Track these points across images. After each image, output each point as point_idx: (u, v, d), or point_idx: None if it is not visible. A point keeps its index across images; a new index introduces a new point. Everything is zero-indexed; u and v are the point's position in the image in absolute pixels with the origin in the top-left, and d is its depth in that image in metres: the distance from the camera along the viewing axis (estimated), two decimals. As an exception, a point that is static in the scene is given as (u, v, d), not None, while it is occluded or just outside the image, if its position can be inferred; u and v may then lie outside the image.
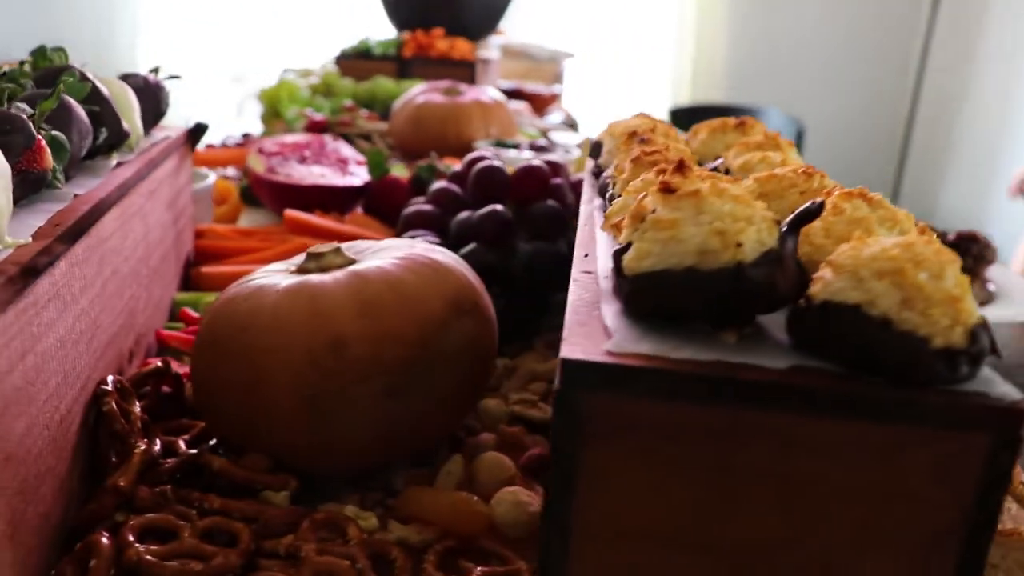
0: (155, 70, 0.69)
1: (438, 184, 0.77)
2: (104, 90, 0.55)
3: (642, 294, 0.30)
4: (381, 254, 0.47)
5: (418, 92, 1.24)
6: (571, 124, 1.74)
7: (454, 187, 0.76)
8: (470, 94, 1.23)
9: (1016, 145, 2.86)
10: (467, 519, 0.40)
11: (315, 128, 1.24)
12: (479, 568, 0.38)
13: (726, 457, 0.28)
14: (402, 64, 1.56)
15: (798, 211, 0.31)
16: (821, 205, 0.31)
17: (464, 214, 0.71)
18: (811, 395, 0.27)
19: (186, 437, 0.47)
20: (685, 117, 3.03)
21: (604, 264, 0.37)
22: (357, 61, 1.58)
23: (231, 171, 1.10)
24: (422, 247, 0.48)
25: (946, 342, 0.27)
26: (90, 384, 0.43)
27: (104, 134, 0.53)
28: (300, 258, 0.51)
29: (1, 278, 0.32)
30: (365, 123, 1.28)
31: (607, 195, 0.45)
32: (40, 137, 0.42)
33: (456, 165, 1.05)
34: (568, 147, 1.15)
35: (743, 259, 0.29)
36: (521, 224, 0.71)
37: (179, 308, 0.64)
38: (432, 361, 0.42)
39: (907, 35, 3.20)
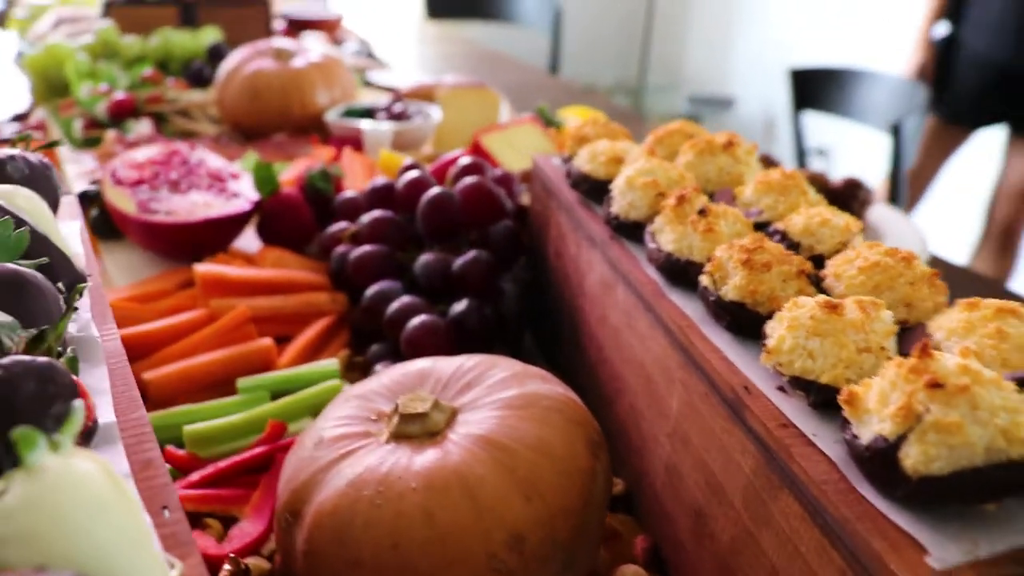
0: (25, 138, 0.54)
1: (373, 213, 0.70)
2: (30, 221, 0.43)
3: (928, 494, 0.31)
4: (478, 392, 0.43)
5: (243, 59, 1.09)
6: (370, 54, 1.62)
7: (391, 215, 0.70)
8: (301, 56, 1.10)
9: (746, 11, 3.10)
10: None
11: (122, 110, 1.06)
12: None
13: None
14: (185, 8, 1.35)
15: (1035, 378, 0.33)
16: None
17: (428, 257, 0.65)
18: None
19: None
20: (441, 7, 2.95)
21: (799, 420, 0.37)
22: (130, 9, 1.34)
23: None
24: (515, 373, 0.44)
25: None
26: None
27: (64, 294, 0.42)
28: (345, 403, 0.45)
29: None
30: (179, 95, 1.11)
31: (708, 295, 0.44)
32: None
33: (311, 152, 0.96)
34: (424, 110, 1.08)
35: (1029, 453, 0.30)
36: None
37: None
38: (592, 515, 0.40)
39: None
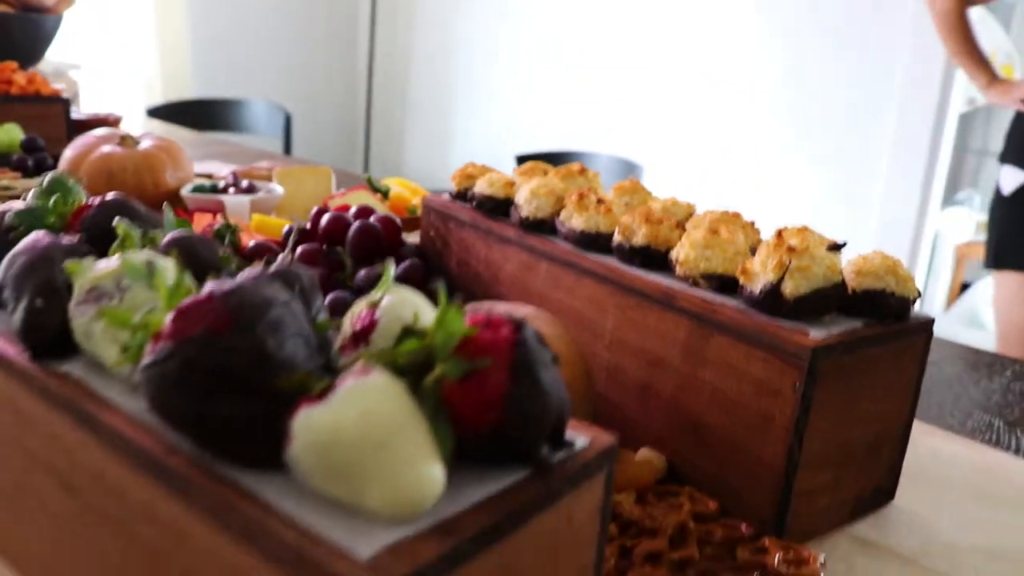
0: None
1: (302, 247, 0.85)
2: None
3: (799, 307, 0.55)
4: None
5: (87, 145, 1.15)
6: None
7: (317, 246, 0.86)
8: (145, 141, 1.19)
9: (461, 110, 3.51)
10: (649, 474, 0.61)
11: (-47, 197, 1.08)
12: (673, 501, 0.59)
13: (855, 367, 0.56)
14: (-23, 105, 1.36)
15: (834, 245, 0.60)
16: (844, 243, 0.60)
17: (367, 270, 0.82)
18: (882, 336, 0.57)
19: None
20: (165, 113, 3.01)
21: (709, 297, 0.61)
22: (-86, 106, 1.32)
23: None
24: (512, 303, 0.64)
25: (913, 297, 0.59)
26: None
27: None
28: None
29: None
30: (13, 184, 1.14)
31: (622, 247, 0.67)
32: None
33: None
34: (266, 186, 1.22)
35: (842, 279, 0.57)
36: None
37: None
38: (593, 384, 0.60)
39: (354, 21, 3.62)
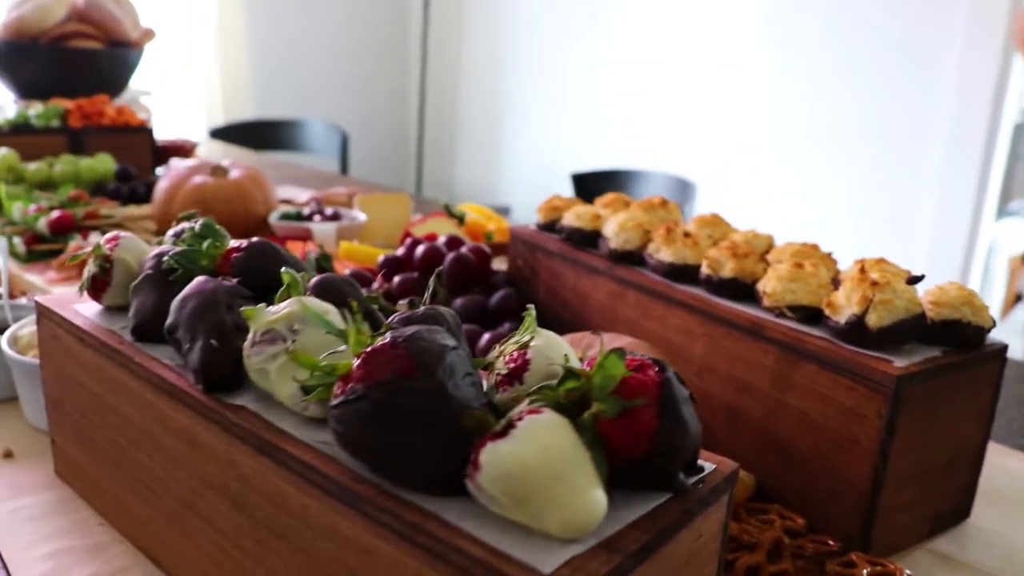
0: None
1: (399, 276, 0.91)
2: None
3: (883, 338, 0.60)
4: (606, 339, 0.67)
5: (181, 175, 1.23)
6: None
7: (414, 275, 0.92)
8: (234, 171, 1.27)
9: (510, 131, 3.58)
10: (742, 492, 0.66)
11: (63, 225, 1.16)
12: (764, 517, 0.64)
13: (935, 393, 0.61)
14: (73, 136, 1.45)
15: (913, 278, 0.64)
16: (923, 276, 0.64)
17: (463, 299, 0.88)
18: (960, 364, 0.61)
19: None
20: (227, 134, 3.11)
21: (796, 327, 0.65)
22: (16, 136, 1.41)
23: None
24: (612, 335, 0.69)
25: (988, 326, 0.63)
26: None
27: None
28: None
29: None
30: (112, 211, 1.23)
31: (712, 279, 0.72)
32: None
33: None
34: (348, 213, 1.29)
35: (922, 311, 0.61)
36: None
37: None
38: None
39: (406, 43, 3.71)
